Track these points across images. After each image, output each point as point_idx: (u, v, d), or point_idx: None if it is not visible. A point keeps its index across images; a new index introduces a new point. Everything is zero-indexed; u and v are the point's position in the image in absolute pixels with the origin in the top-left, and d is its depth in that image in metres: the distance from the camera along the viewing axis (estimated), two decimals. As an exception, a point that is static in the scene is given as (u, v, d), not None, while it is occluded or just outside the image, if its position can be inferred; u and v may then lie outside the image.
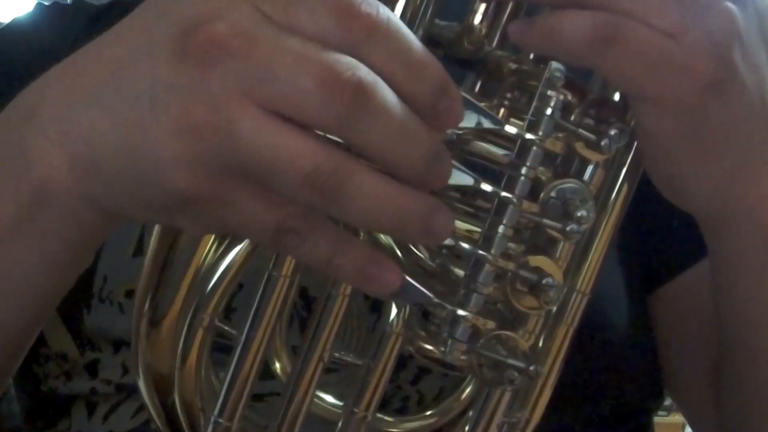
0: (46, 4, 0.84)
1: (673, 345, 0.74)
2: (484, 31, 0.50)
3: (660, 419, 0.79)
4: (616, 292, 0.70)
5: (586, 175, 0.50)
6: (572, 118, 0.48)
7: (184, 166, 0.40)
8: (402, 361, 0.63)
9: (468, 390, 0.58)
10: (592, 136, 0.47)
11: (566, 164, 0.50)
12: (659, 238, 0.71)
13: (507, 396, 0.53)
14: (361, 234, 0.50)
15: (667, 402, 0.79)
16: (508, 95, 0.49)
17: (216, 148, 0.39)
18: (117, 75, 0.42)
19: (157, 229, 0.53)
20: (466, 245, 0.45)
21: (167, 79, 0.40)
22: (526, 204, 0.46)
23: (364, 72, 0.39)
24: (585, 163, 0.50)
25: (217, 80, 0.39)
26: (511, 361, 0.47)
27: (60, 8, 0.83)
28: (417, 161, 0.40)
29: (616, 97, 0.50)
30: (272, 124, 0.39)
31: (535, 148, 0.44)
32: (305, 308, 0.64)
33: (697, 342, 0.71)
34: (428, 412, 0.60)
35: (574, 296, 0.53)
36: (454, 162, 0.43)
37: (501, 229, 0.44)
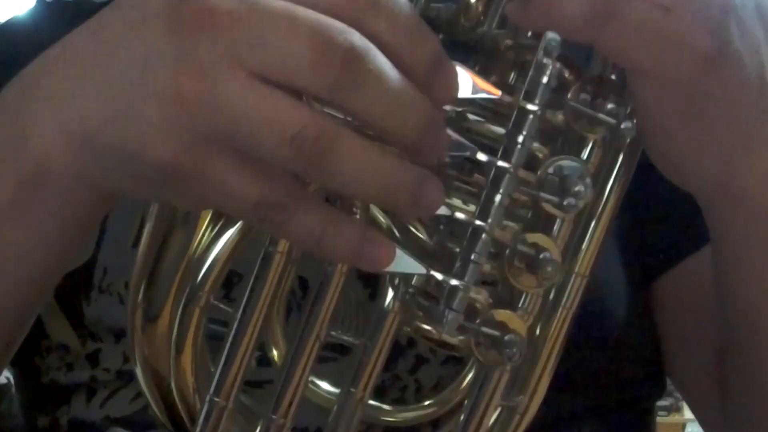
0: (48, 1, 0.84)
1: (676, 334, 0.73)
2: (480, 8, 0.50)
3: (660, 419, 0.79)
4: (615, 280, 0.69)
5: (584, 155, 0.50)
6: (569, 95, 0.48)
7: (167, 135, 0.40)
8: (400, 350, 0.64)
9: (467, 379, 0.58)
10: (589, 111, 0.47)
11: (564, 144, 0.50)
12: (659, 226, 0.71)
13: (506, 379, 0.52)
14: (358, 214, 0.50)
15: (667, 402, 0.79)
16: (506, 73, 0.49)
17: (200, 115, 0.39)
18: (111, 50, 0.43)
19: (150, 220, 0.53)
20: (462, 216, 0.45)
21: (158, 48, 0.40)
22: (522, 173, 0.45)
23: (356, 37, 0.39)
24: (583, 142, 0.50)
25: (207, 48, 0.39)
26: (508, 337, 0.47)
27: (61, 6, 0.83)
28: (411, 129, 0.40)
29: (614, 77, 0.50)
30: (259, 89, 0.39)
31: (531, 116, 0.44)
32: (304, 298, 0.63)
33: (699, 331, 0.71)
34: (426, 402, 0.60)
35: (572, 279, 0.52)
36: (450, 132, 0.43)
37: (497, 198, 0.44)
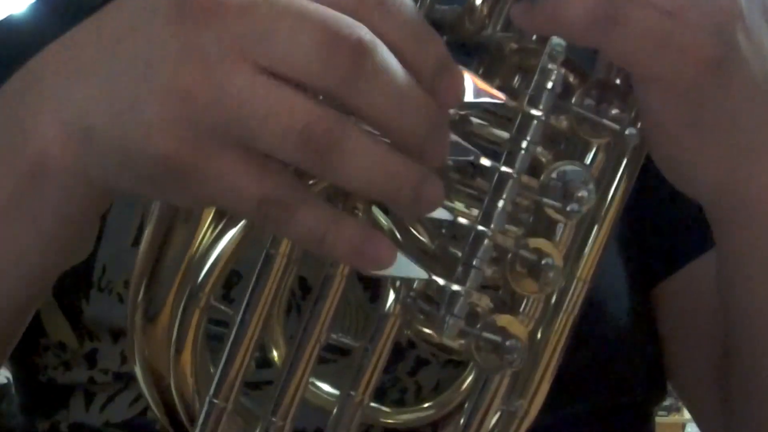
0: (47, -2, 0.84)
1: (678, 340, 0.73)
2: (485, 11, 0.50)
3: (660, 419, 0.79)
4: (617, 284, 0.69)
5: (588, 160, 0.49)
6: (573, 100, 0.47)
7: (169, 129, 0.40)
8: (400, 352, 0.63)
9: (467, 382, 0.58)
10: (593, 116, 0.47)
11: (568, 148, 0.49)
12: (662, 230, 0.71)
13: (506, 383, 0.52)
14: (359, 215, 0.49)
15: (667, 402, 0.78)
16: (510, 77, 0.49)
17: (204, 108, 0.39)
18: (115, 44, 0.42)
19: (152, 219, 0.53)
20: (464, 221, 0.44)
21: (162, 43, 0.40)
22: (525, 179, 0.45)
23: (365, 31, 0.39)
24: (587, 147, 0.49)
25: (212, 40, 0.39)
26: (508, 342, 0.47)
27: (60, 3, 0.83)
28: (416, 128, 0.40)
29: (619, 82, 0.49)
30: (266, 83, 0.39)
31: (535, 122, 0.44)
32: (304, 298, 0.63)
33: (701, 336, 0.71)
34: (426, 404, 0.60)
35: (574, 284, 0.52)
36: (454, 136, 0.42)
37: (500, 203, 0.44)
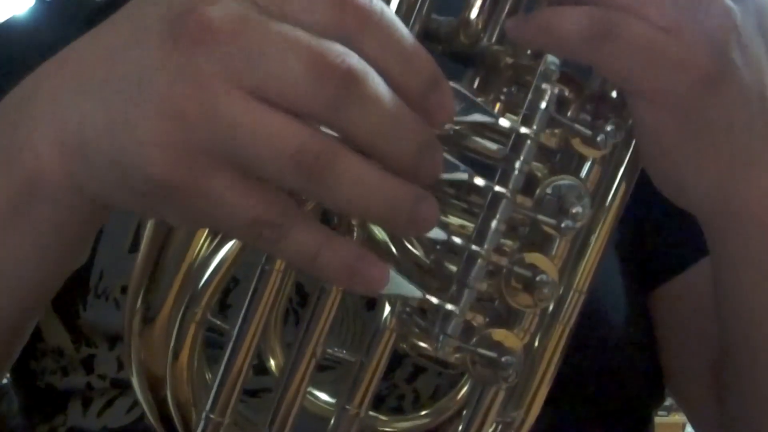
0: (47, 0, 0.84)
1: (674, 344, 0.73)
2: (480, 25, 0.50)
3: (660, 419, 0.79)
4: (614, 290, 0.69)
5: (583, 172, 0.49)
6: (569, 113, 0.47)
7: (164, 150, 0.40)
8: (398, 359, 0.63)
9: (464, 390, 0.58)
10: (587, 132, 0.47)
11: (563, 161, 0.49)
12: (660, 236, 0.71)
13: (501, 395, 0.52)
14: (355, 230, 0.49)
15: (667, 402, 0.78)
16: (505, 90, 0.49)
17: (198, 131, 0.39)
18: (109, 63, 0.42)
19: (150, 225, 0.53)
20: (458, 240, 0.44)
21: (155, 62, 0.40)
22: (519, 199, 0.45)
23: (355, 59, 0.39)
24: (582, 159, 0.49)
25: (204, 64, 0.39)
26: (504, 359, 0.47)
27: (60, 5, 0.83)
28: (407, 151, 0.40)
29: (615, 95, 0.49)
30: (257, 107, 0.39)
31: (529, 142, 0.43)
32: (301, 304, 0.63)
33: (698, 341, 0.71)
34: (423, 412, 0.60)
35: (570, 295, 0.52)
36: (447, 155, 0.42)
37: (494, 224, 0.44)
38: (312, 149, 0.39)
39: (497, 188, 0.44)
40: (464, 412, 0.54)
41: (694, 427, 0.76)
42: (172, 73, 0.39)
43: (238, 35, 0.39)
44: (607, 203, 0.51)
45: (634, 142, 0.50)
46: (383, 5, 0.40)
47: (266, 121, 0.39)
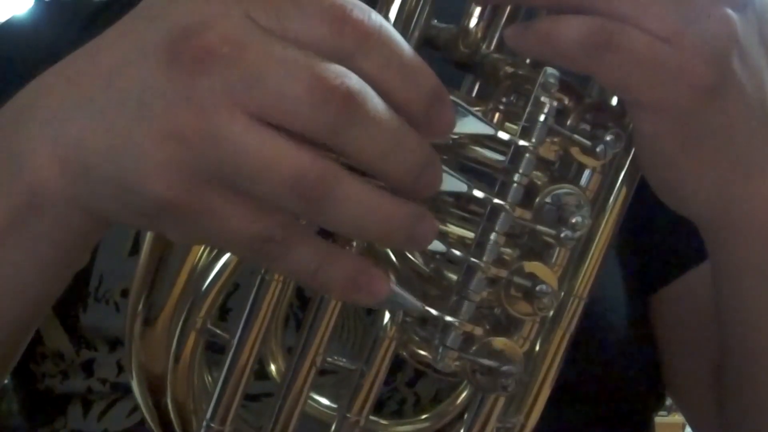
0: (46, 0, 0.84)
1: (674, 347, 0.73)
2: (479, 34, 0.50)
3: (660, 419, 0.79)
4: (615, 294, 0.69)
5: (583, 180, 0.49)
6: (568, 122, 0.47)
7: (166, 172, 0.40)
8: (399, 363, 0.63)
9: (464, 394, 0.58)
10: (587, 142, 0.46)
11: (563, 169, 0.49)
12: (660, 239, 0.71)
13: (502, 401, 0.52)
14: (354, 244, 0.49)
15: (668, 402, 0.78)
16: (504, 99, 0.49)
17: (200, 154, 0.39)
18: (108, 81, 0.42)
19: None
20: (457, 252, 0.44)
21: (156, 85, 0.40)
22: (519, 211, 0.45)
23: (354, 80, 0.39)
24: (582, 167, 0.49)
25: (205, 87, 0.39)
26: (504, 368, 0.47)
27: (59, 5, 0.82)
28: (407, 170, 0.40)
29: (614, 102, 0.49)
30: (259, 131, 0.39)
31: (528, 154, 0.43)
32: (301, 308, 0.63)
33: (698, 344, 0.71)
34: (423, 416, 0.60)
35: (570, 301, 0.52)
36: (446, 168, 0.42)
37: (493, 236, 0.44)
38: (311, 174, 0.39)
39: (496, 200, 0.44)
40: (465, 417, 0.54)
41: (692, 427, 0.76)
42: (172, 98, 0.40)
43: (236, 59, 0.39)
44: (607, 210, 0.51)
45: (633, 149, 0.50)
46: (382, 20, 0.40)
47: (266, 146, 0.39)
